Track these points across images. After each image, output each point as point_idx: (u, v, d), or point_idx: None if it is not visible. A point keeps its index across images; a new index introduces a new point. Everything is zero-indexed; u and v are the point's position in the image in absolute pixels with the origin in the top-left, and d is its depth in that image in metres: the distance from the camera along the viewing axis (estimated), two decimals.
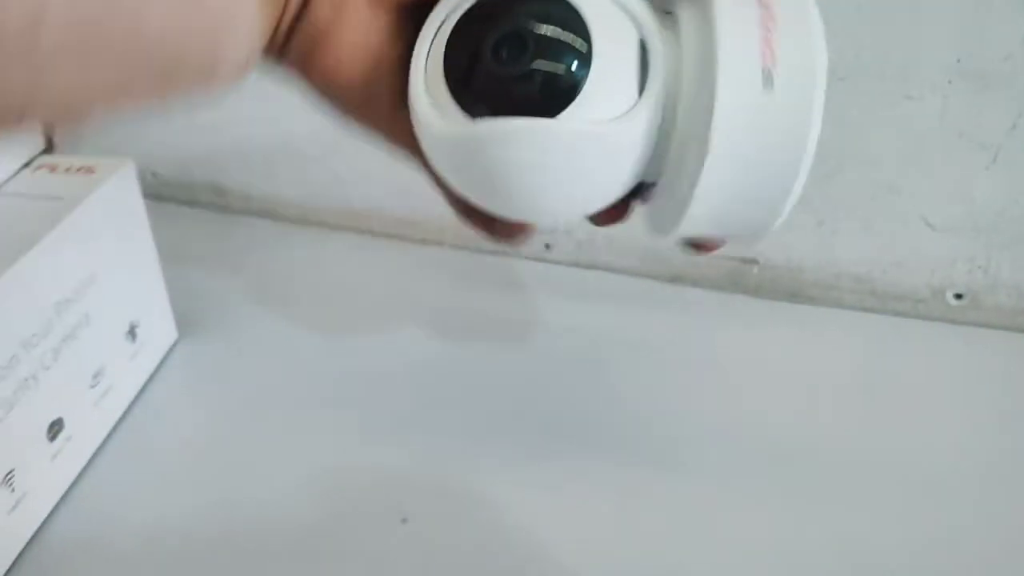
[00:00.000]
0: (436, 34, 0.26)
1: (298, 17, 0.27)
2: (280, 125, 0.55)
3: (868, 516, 0.37)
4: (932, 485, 0.38)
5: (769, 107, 0.24)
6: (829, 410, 0.42)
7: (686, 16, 0.26)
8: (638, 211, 0.30)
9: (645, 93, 0.25)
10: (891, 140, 0.45)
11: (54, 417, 0.37)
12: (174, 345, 0.47)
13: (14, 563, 0.35)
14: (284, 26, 0.27)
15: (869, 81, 0.43)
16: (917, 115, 0.43)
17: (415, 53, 0.26)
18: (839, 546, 0.35)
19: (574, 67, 0.24)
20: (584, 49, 0.24)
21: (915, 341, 0.47)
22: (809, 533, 0.36)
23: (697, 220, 0.26)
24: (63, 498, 0.38)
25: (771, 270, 0.51)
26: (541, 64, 0.24)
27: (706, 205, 0.25)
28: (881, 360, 0.45)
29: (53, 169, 0.41)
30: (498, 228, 0.31)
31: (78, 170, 0.41)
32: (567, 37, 0.24)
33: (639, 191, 0.28)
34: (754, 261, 0.51)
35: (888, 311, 0.49)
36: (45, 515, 0.37)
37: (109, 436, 0.41)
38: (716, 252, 0.30)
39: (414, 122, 0.27)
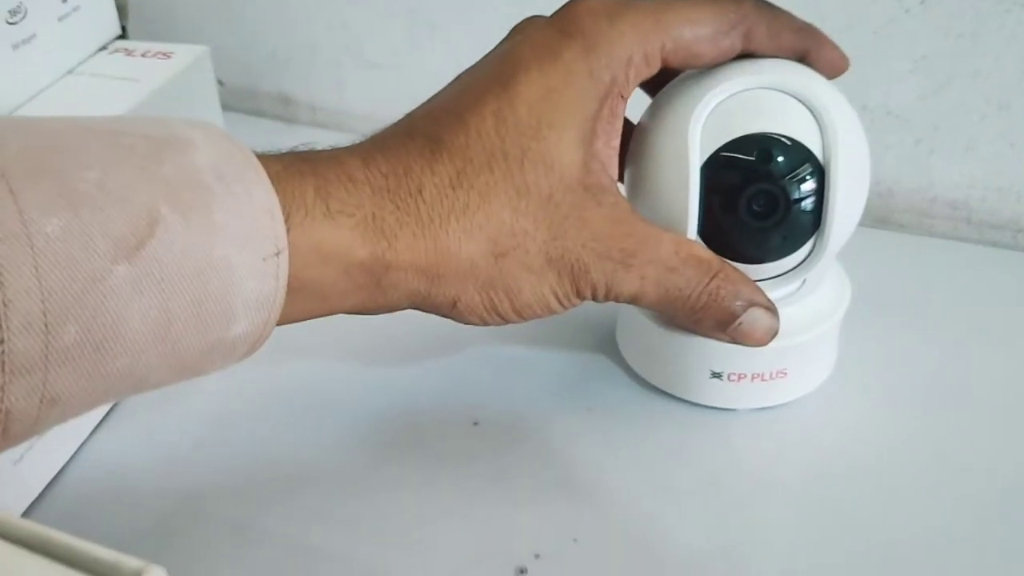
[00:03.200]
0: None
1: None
2: (349, 30, 0.54)
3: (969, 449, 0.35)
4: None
5: None
6: (918, 340, 0.40)
7: None
8: None
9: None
10: (1007, 52, 0.42)
11: None
12: None
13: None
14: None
15: None
16: None
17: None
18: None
19: None
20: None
21: (1012, 275, 0.44)
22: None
23: None
24: None
25: None
26: None
27: None
28: (974, 292, 0.43)
29: (129, 53, 0.40)
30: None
31: (155, 55, 0.40)
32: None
33: None
34: None
35: (984, 241, 0.47)
36: None
37: None
38: None
39: None
